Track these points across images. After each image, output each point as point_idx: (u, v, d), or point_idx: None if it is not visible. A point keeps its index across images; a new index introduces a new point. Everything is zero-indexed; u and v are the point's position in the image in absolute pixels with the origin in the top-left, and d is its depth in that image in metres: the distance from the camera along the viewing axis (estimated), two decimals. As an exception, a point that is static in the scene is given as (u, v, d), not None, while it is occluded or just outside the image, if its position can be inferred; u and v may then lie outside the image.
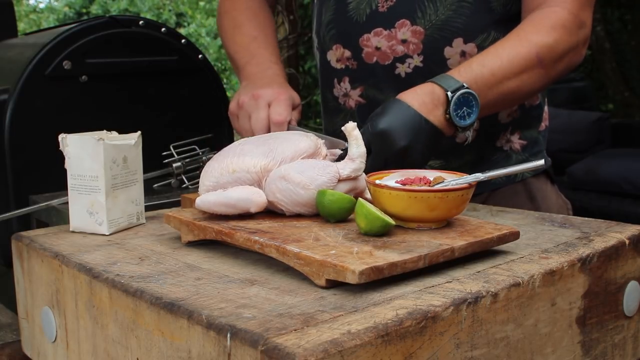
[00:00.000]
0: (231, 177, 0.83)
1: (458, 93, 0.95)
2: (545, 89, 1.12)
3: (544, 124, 1.24)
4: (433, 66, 1.11)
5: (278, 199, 0.82)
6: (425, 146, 0.95)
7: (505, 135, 1.18)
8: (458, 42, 1.10)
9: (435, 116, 0.95)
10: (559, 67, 1.05)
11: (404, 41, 1.11)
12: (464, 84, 0.96)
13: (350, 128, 0.84)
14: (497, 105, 1.04)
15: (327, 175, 0.82)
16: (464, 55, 1.11)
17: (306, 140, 0.87)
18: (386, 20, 1.12)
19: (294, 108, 1.10)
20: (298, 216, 0.83)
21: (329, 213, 0.80)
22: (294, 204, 0.82)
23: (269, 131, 1.05)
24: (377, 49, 1.13)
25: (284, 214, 0.84)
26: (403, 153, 0.92)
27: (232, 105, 1.11)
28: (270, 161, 0.83)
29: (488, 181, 1.16)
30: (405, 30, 1.11)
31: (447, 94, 0.95)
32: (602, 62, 6.38)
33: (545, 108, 1.25)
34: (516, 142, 1.19)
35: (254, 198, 0.81)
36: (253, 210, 0.81)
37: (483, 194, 1.18)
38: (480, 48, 1.09)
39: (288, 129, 1.05)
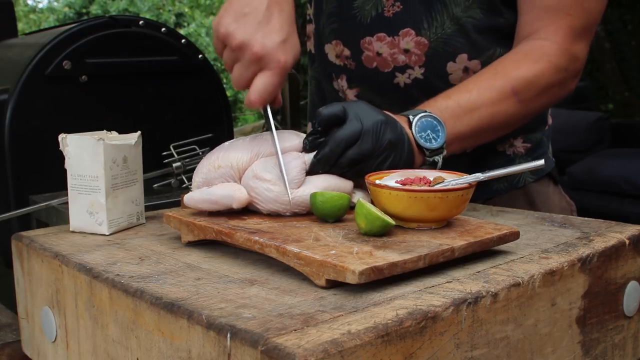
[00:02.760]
0: (217, 172, 0.85)
1: (419, 115, 0.91)
2: (524, 121, 1.08)
3: (549, 122, 1.22)
4: (434, 79, 1.08)
5: (253, 197, 0.83)
6: (405, 150, 0.88)
7: (508, 140, 1.16)
8: (462, 58, 1.08)
9: (406, 129, 0.90)
10: (540, 101, 1.02)
11: (406, 51, 1.09)
12: (427, 110, 0.93)
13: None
14: (474, 137, 0.99)
15: (294, 168, 0.83)
16: (466, 71, 1.08)
17: (296, 138, 0.87)
18: (390, 26, 1.09)
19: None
20: (298, 216, 0.83)
21: (323, 214, 0.80)
22: (268, 201, 0.82)
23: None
24: (379, 54, 1.11)
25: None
26: (392, 146, 0.85)
27: (218, 32, 0.85)
28: (252, 157, 0.85)
29: (488, 187, 1.15)
30: (409, 39, 1.08)
31: (408, 117, 0.91)
32: (602, 62, 6.38)
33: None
34: (520, 145, 1.17)
35: (235, 194, 0.82)
36: (235, 206, 0.82)
37: (478, 201, 1.16)
38: (485, 64, 1.06)
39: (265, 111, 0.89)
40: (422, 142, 0.90)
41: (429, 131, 0.91)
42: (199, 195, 0.83)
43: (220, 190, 0.82)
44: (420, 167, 0.92)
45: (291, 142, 0.86)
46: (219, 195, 0.82)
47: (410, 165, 0.89)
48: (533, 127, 1.18)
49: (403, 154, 0.87)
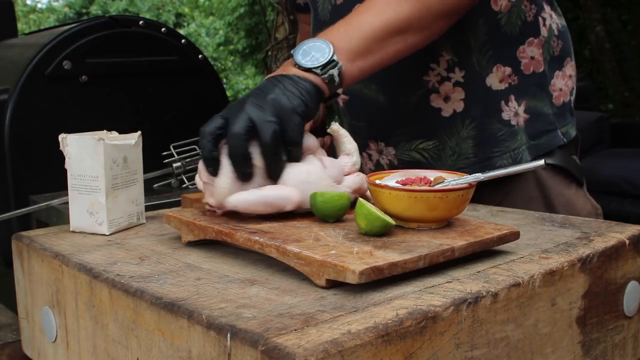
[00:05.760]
0: (259, 171, 0.82)
1: (301, 46, 0.90)
2: (430, 24, 0.99)
3: (559, 99, 1.17)
4: None
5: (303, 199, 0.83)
6: (297, 97, 0.84)
7: (510, 105, 1.12)
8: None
9: (289, 71, 0.88)
10: None
11: None
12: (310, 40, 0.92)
13: (336, 128, 0.89)
14: (374, 48, 0.94)
15: (336, 168, 0.86)
16: None
17: (312, 138, 0.88)
18: (345, 11, 1.09)
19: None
20: (298, 216, 0.83)
21: (324, 214, 0.80)
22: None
23: None
24: None
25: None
26: (289, 115, 0.83)
27: None
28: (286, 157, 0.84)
29: (491, 165, 1.13)
30: None
31: (291, 53, 0.90)
32: (602, 62, 6.38)
33: (558, 81, 1.17)
34: (522, 115, 1.13)
35: (291, 196, 0.82)
36: (288, 208, 0.82)
37: (498, 195, 1.13)
38: None
39: None
40: (309, 64, 0.88)
41: (313, 53, 0.89)
42: (252, 197, 0.80)
43: (275, 192, 0.81)
44: (326, 87, 0.89)
45: (310, 140, 0.87)
46: (275, 197, 0.81)
47: (317, 91, 0.87)
48: (532, 91, 1.14)
49: (293, 90, 0.85)
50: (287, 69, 0.89)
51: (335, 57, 0.89)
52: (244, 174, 0.82)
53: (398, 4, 0.95)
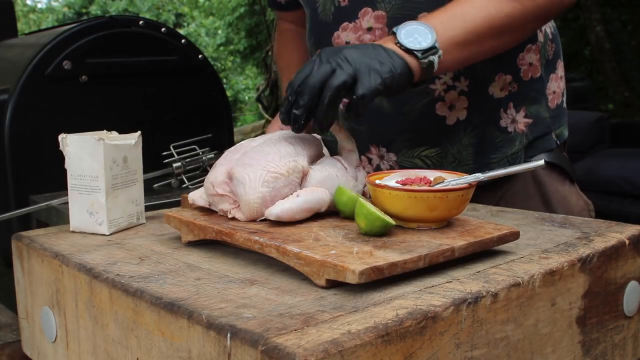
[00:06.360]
0: (287, 180, 0.82)
1: (404, 25, 0.91)
2: (525, 28, 1.03)
3: (553, 102, 1.18)
4: None
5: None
6: (388, 66, 0.87)
7: (507, 113, 1.13)
8: (423, 17, 1.05)
9: (387, 46, 0.90)
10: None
11: (369, 29, 1.10)
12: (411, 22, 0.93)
13: (338, 128, 0.90)
14: (471, 42, 0.96)
15: (353, 167, 0.89)
16: None
17: (316, 139, 0.89)
18: (350, 13, 1.12)
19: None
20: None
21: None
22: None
23: None
24: (347, 43, 1.12)
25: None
26: (368, 69, 0.85)
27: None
28: (307, 161, 0.85)
29: (487, 165, 1.14)
30: (368, 17, 1.10)
31: (393, 32, 0.91)
32: (602, 62, 6.38)
33: (552, 84, 1.18)
34: (521, 121, 1.14)
35: (326, 198, 0.83)
36: (323, 210, 0.83)
37: (497, 193, 1.14)
38: None
39: None
40: (410, 45, 0.90)
41: (415, 35, 0.91)
42: (295, 205, 0.80)
43: (313, 197, 0.81)
44: (420, 72, 0.91)
45: (314, 141, 0.88)
46: (314, 202, 0.81)
47: (408, 73, 0.89)
48: (532, 97, 1.15)
49: (386, 61, 0.87)
50: (386, 45, 0.90)
51: (437, 44, 0.90)
52: (298, 124, 0.84)
53: (498, 2, 0.96)
